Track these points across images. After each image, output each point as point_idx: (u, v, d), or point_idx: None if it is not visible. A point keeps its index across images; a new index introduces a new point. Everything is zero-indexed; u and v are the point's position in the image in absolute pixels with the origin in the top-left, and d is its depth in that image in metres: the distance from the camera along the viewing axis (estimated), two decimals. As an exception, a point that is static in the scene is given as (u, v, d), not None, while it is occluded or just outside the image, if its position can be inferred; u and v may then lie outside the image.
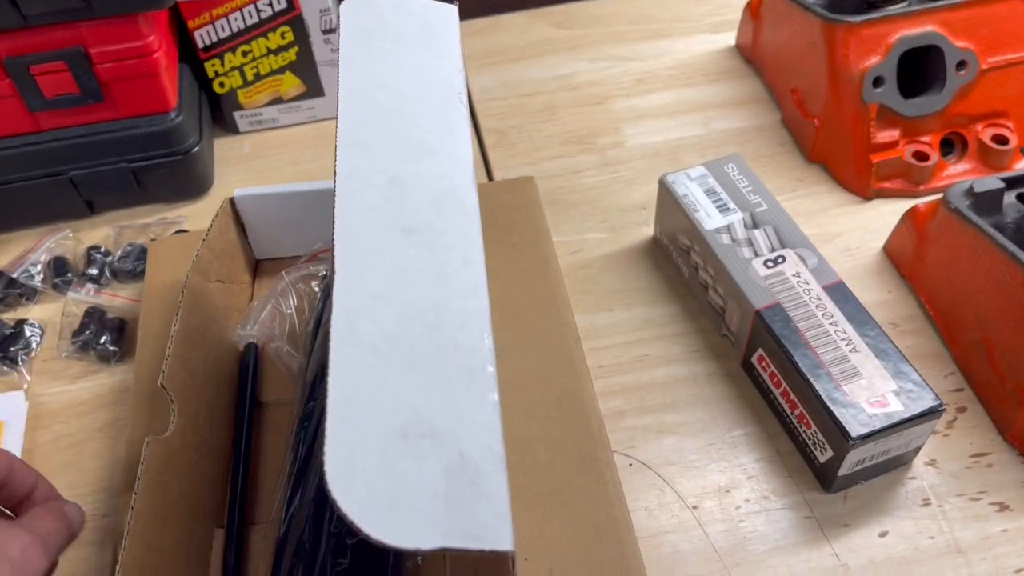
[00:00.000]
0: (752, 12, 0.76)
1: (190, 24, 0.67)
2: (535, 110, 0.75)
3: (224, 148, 0.74)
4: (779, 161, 0.69)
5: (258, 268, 0.61)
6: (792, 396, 0.49)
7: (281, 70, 0.71)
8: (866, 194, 0.65)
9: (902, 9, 0.63)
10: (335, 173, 0.39)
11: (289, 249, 0.60)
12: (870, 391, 0.47)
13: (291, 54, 0.70)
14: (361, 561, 0.41)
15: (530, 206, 0.60)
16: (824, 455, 0.48)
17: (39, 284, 0.62)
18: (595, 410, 0.50)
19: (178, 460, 0.44)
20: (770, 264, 0.53)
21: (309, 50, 0.70)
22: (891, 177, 0.65)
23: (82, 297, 0.61)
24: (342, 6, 0.46)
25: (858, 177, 0.65)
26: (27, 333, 0.59)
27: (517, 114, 0.75)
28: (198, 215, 0.68)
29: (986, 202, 0.53)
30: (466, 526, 0.29)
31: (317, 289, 0.55)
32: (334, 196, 0.37)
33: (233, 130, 0.75)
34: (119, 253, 0.64)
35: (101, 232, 0.67)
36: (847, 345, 0.49)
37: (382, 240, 0.36)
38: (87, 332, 0.58)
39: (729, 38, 0.81)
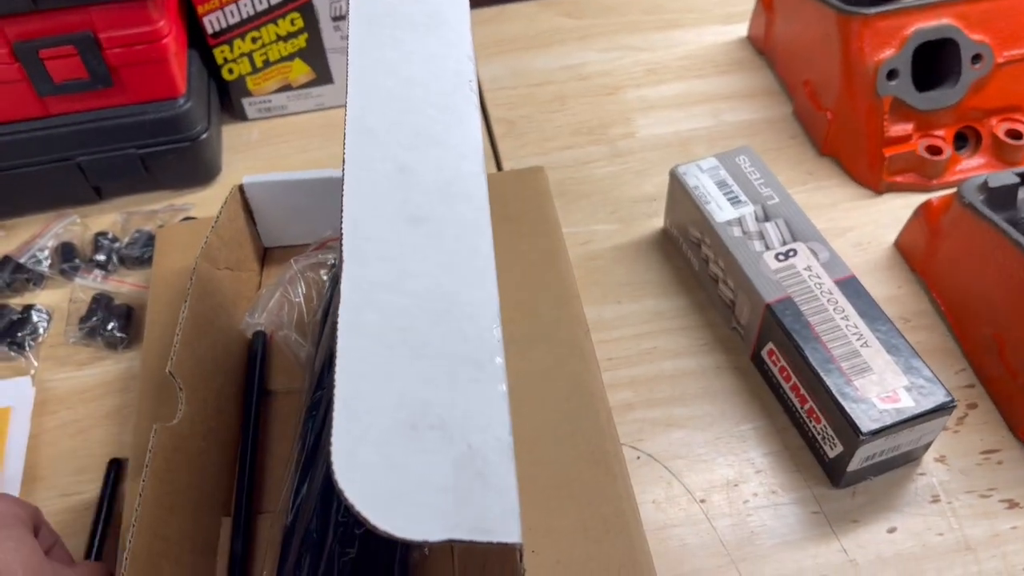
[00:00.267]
0: (765, 3, 0.75)
1: (199, 10, 0.67)
2: (545, 100, 0.75)
3: (232, 135, 0.73)
4: (790, 154, 0.69)
5: (266, 256, 0.61)
6: (802, 390, 0.49)
7: (290, 57, 0.71)
8: (878, 188, 0.65)
9: (917, 1, 0.62)
10: (343, 161, 0.38)
11: (298, 237, 0.59)
12: (881, 386, 0.46)
13: (300, 41, 0.70)
14: (368, 551, 0.41)
15: (540, 197, 0.60)
16: (834, 450, 0.48)
17: (47, 270, 0.62)
18: (604, 402, 0.49)
19: (186, 448, 0.44)
20: (781, 257, 0.52)
21: (319, 37, 0.70)
22: (904, 171, 0.64)
23: (89, 283, 0.61)
24: None
25: (870, 171, 0.64)
26: (34, 319, 0.59)
27: (527, 104, 0.74)
28: (205, 202, 0.68)
29: (1000, 197, 0.52)
30: (474, 518, 0.29)
31: (325, 277, 0.55)
32: (342, 184, 0.37)
33: (241, 117, 0.74)
34: (127, 239, 0.64)
35: (109, 218, 0.67)
36: (858, 340, 0.48)
37: (390, 229, 0.36)
38: (94, 318, 0.58)
39: (741, 29, 0.80)
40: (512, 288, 0.54)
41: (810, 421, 0.49)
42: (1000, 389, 0.52)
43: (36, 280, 0.62)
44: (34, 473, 0.52)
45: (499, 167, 0.69)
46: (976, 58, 0.62)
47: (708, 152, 0.68)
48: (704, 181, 0.57)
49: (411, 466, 0.29)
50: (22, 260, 0.62)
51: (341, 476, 0.27)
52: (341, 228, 0.36)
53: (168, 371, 0.44)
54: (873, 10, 0.62)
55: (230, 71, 0.71)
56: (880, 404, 0.46)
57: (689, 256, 0.60)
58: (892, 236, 0.62)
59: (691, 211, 0.57)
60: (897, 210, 0.63)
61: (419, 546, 0.43)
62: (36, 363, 0.58)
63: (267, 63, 0.71)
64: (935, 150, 0.63)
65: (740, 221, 0.55)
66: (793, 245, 0.53)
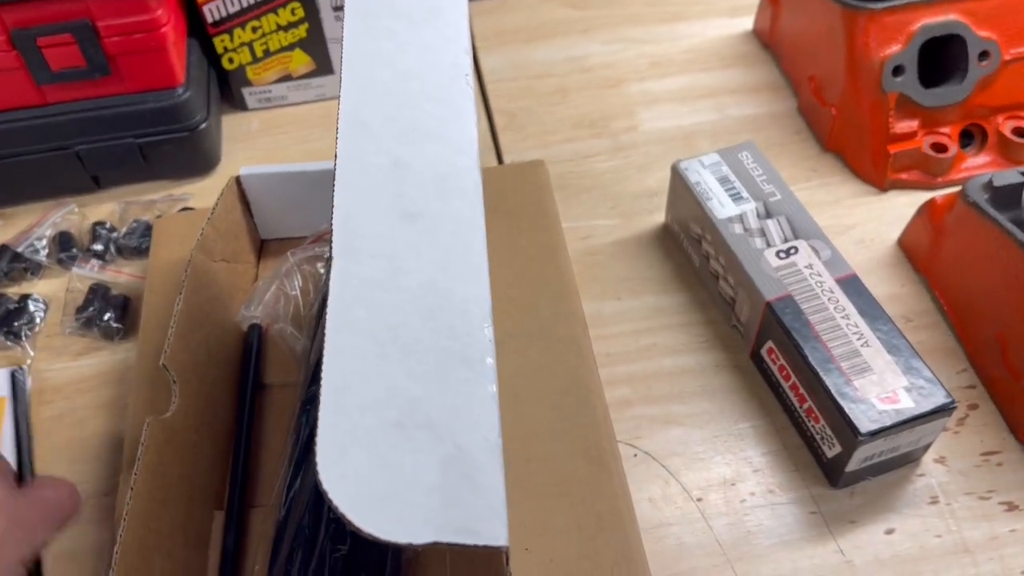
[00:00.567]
0: (771, -4, 0.75)
1: (199, -2, 0.66)
2: (546, 92, 0.74)
3: (232, 125, 0.73)
4: (793, 150, 0.68)
5: (263, 248, 0.61)
6: (801, 390, 0.49)
7: (291, 47, 0.70)
8: (882, 185, 0.64)
9: (925, -4, 0.61)
10: (335, 154, 0.38)
11: (295, 229, 0.59)
12: (881, 387, 0.46)
13: (301, 31, 0.69)
14: (360, 547, 0.41)
15: (540, 190, 0.59)
16: (832, 450, 0.47)
17: (44, 259, 0.62)
18: (601, 399, 0.49)
19: (178, 441, 0.44)
20: (782, 255, 0.52)
21: (319, 27, 0.69)
22: (908, 168, 0.64)
23: (87, 273, 0.61)
24: None
25: (874, 168, 0.64)
26: (31, 308, 0.59)
27: (528, 96, 0.74)
28: (204, 192, 0.67)
29: (1005, 196, 0.52)
30: (460, 520, 0.28)
31: (322, 270, 0.54)
32: (334, 178, 0.37)
33: (241, 107, 0.74)
34: (124, 229, 0.63)
35: (107, 208, 0.66)
36: (859, 339, 0.48)
37: (382, 225, 0.36)
38: (91, 308, 0.58)
39: (746, 22, 0.79)
40: (510, 283, 0.54)
41: (809, 421, 0.49)
42: (1002, 390, 0.51)
43: (33, 269, 0.62)
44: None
45: (499, 160, 0.69)
46: (983, 55, 0.61)
47: (711, 147, 0.67)
48: (706, 177, 0.57)
49: (397, 466, 0.29)
50: (19, 249, 0.62)
51: (326, 476, 0.27)
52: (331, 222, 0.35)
53: (162, 364, 0.44)
54: (879, 5, 0.61)
55: (230, 60, 0.70)
56: (879, 405, 0.45)
57: (690, 252, 0.59)
58: (895, 234, 0.61)
59: (692, 207, 0.56)
60: (901, 208, 0.62)
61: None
62: (32, 353, 0.57)
63: (267, 53, 0.70)
64: (940, 147, 0.63)
65: (741, 218, 0.54)
66: (795, 243, 0.52)
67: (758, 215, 0.54)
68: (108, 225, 0.64)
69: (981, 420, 0.51)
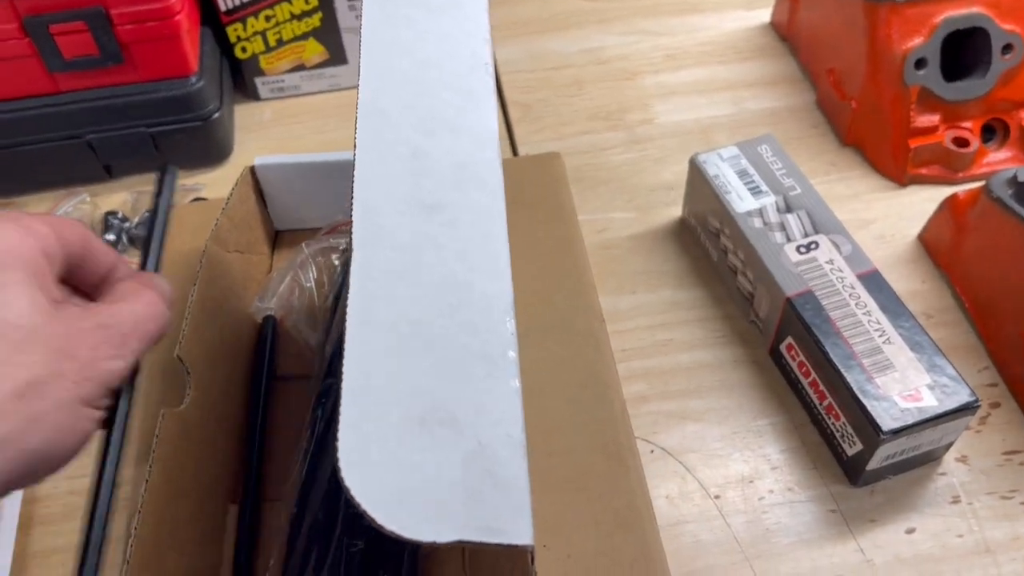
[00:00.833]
0: (789, -12, 0.74)
1: (213, -14, 0.65)
2: (562, 84, 0.73)
3: (245, 115, 0.73)
4: (812, 143, 0.67)
5: (277, 239, 0.60)
6: (821, 386, 0.48)
7: (304, 36, 0.70)
8: (902, 180, 0.63)
9: (948, -12, 0.60)
10: (355, 145, 0.37)
11: (309, 220, 0.59)
12: (903, 384, 0.45)
13: (315, 20, 0.69)
14: (377, 542, 0.40)
15: (556, 183, 0.59)
16: (853, 448, 0.47)
17: (56, 248, 0.62)
18: (618, 394, 0.48)
19: (193, 434, 0.44)
20: (803, 250, 0.51)
21: (333, 16, 0.69)
22: (929, 163, 0.63)
23: (99, 263, 0.60)
24: None
25: (895, 162, 0.63)
26: (43, 298, 0.58)
27: (543, 88, 0.73)
28: (217, 183, 0.67)
29: (1030, 192, 0.51)
30: (484, 518, 0.28)
31: (337, 262, 0.54)
32: (353, 169, 0.36)
33: (254, 97, 0.73)
34: (136, 219, 0.63)
35: (119, 197, 0.66)
36: (880, 336, 0.47)
37: (402, 216, 0.35)
38: (103, 299, 0.57)
39: (764, 14, 0.78)
40: (527, 276, 0.53)
41: (829, 418, 0.48)
42: (1024, 389, 0.51)
43: (45, 259, 0.61)
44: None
45: (514, 152, 0.68)
46: (1007, 48, 0.61)
47: (728, 140, 0.66)
48: (724, 170, 0.56)
49: (420, 463, 0.28)
50: (31, 238, 0.61)
51: (347, 474, 0.26)
52: (351, 213, 0.35)
53: (176, 355, 0.44)
54: (902, -3, 0.60)
55: (243, 50, 0.70)
56: (902, 402, 0.44)
57: (707, 246, 0.59)
58: (916, 229, 0.60)
59: (711, 201, 0.56)
60: (921, 203, 0.61)
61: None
62: (44, 343, 0.57)
63: (280, 42, 0.70)
64: (962, 142, 0.62)
65: (761, 212, 0.53)
66: (815, 237, 0.52)
67: (778, 209, 0.53)
68: (120, 215, 0.63)
69: (1003, 419, 0.51)
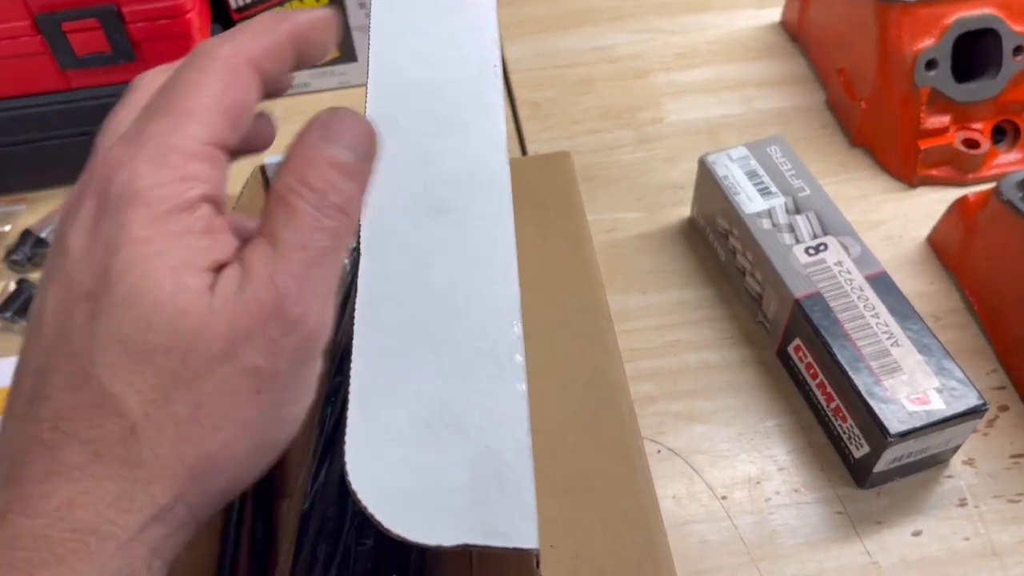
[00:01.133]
0: (800, -13, 0.74)
1: (224, -16, 0.66)
2: (572, 82, 0.73)
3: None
4: (821, 144, 0.67)
5: (287, 236, 0.61)
6: (829, 388, 0.48)
7: (314, 34, 0.70)
8: (911, 181, 0.63)
9: (960, -11, 0.60)
10: None
11: (319, 218, 0.59)
12: (911, 387, 0.45)
13: (325, 18, 0.69)
14: (386, 541, 0.41)
15: (565, 182, 0.59)
16: (860, 450, 0.47)
17: (67, 244, 0.62)
18: (626, 394, 0.48)
19: (203, 431, 0.44)
20: (811, 251, 0.51)
21: (343, 14, 0.69)
22: (939, 164, 0.63)
23: (110, 259, 0.61)
24: None
25: (904, 163, 0.63)
26: (55, 294, 0.59)
27: (553, 86, 0.73)
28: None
29: (1041, 195, 0.51)
30: (490, 522, 0.28)
31: (346, 261, 0.54)
32: None
33: (264, 94, 0.74)
34: (147, 216, 0.63)
35: (130, 194, 0.66)
36: (888, 339, 0.47)
37: (409, 220, 0.35)
38: (114, 295, 0.58)
39: (774, 14, 0.78)
40: (534, 275, 0.53)
41: (836, 420, 0.48)
42: (1033, 392, 0.51)
43: (57, 255, 0.62)
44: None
45: (523, 151, 0.68)
46: (1018, 50, 0.60)
47: (738, 139, 0.66)
48: (734, 171, 0.56)
49: (427, 466, 0.28)
50: (43, 235, 0.62)
51: (354, 476, 0.27)
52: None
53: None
54: (913, -3, 0.60)
55: (254, 47, 0.70)
56: (909, 405, 0.45)
57: (716, 247, 0.59)
58: (925, 231, 0.60)
59: (719, 201, 0.56)
60: (931, 204, 0.61)
61: None
62: (56, 338, 0.57)
63: (291, 39, 0.70)
64: (972, 143, 0.62)
65: (770, 213, 0.53)
66: (824, 239, 0.52)
67: (787, 210, 0.53)
68: (131, 211, 0.63)
69: (1011, 421, 0.51)
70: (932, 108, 0.61)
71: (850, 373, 0.46)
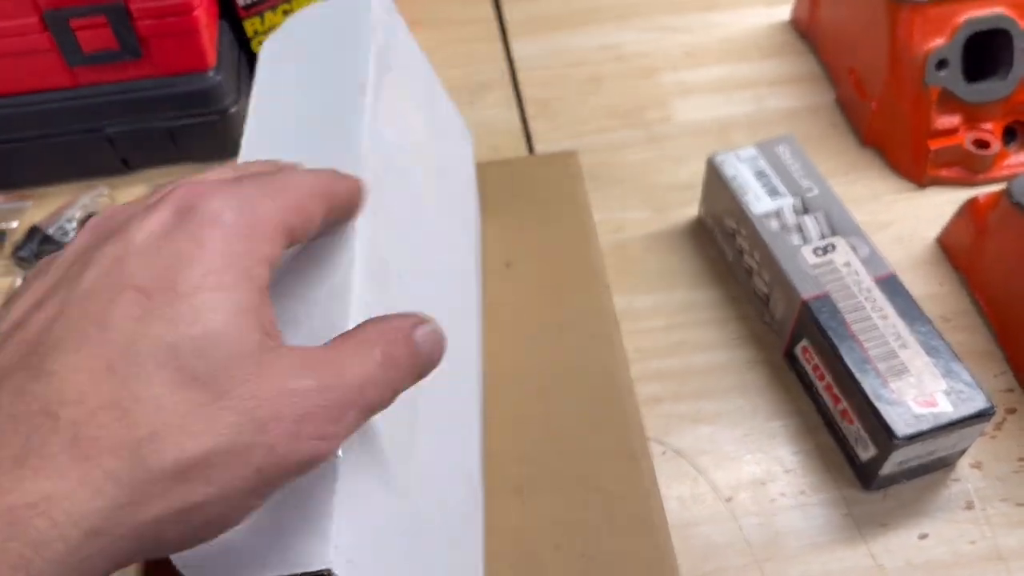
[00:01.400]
0: (810, -14, 0.73)
1: (231, -19, 0.66)
2: (579, 81, 0.73)
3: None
4: (830, 144, 0.67)
5: (293, 234, 0.61)
6: (836, 390, 0.48)
7: (322, 31, 0.70)
8: (921, 182, 0.63)
9: (971, -12, 0.60)
10: None
11: (325, 216, 0.59)
12: (919, 389, 0.45)
13: (333, 15, 0.69)
14: None
15: (572, 181, 0.59)
16: (866, 453, 0.46)
17: (74, 241, 0.62)
18: (631, 395, 0.48)
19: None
20: (820, 252, 0.51)
21: (351, 11, 0.69)
22: (949, 165, 0.62)
23: (117, 256, 0.61)
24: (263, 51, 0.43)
25: (914, 163, 0.62)
26: (61, 290, 0.59)
27: (560, 85, 0.73)
28: (234, 176, 0.67)
29: (1052, 197, 0.50)
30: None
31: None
32: None
33: (271, 91, 0.73)
34: (154, 212, 0.63)
35: (137, 190, 0.66)
36: (896, 341, 0.47)
37: None
38: (121, 292, 0.58)
39: (784, 12, 0.78)
40: (541, 275, 0.53)
41: (843, 422, 0.48)
42: (1042, 395, 0.50)
43: (64, 251, 0.62)
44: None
45: (530, 150, 0.68)
46: (1030, 49, 0.60)
47: (747, 139, 0.66)
48: (742, 171, 0.56)
49: None
50: (50, 231, 0.62)
51: None
52: None
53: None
54: (924, -3, 0.59)
55: (260, 44, 0.70)
56: (917, 408, 0.44)
57: (723, 247, 0.58)
58: (934, 232, 0.60)
59: (727, 201, 0.55)
60: (941, 205, 0.61)
61: None
62: (62, 335, 0.58)
63: (298, 36, 0.70)
64: (983, 144, 0.61)
65: (778, 213, 0.53)
66: (832, 240, 0.51)
67: (795, 211, 0.53)
68: (138, 208, 0.63)
69: (1019, 425, 0.50)
70: (942, 108, 0.61)
71: (857, 375, 0.46)
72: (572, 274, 0.54)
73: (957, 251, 0.57)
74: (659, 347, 0.55)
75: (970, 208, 0.56)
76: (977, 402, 0.44)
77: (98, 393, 0.21)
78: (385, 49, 0.41)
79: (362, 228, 0.31)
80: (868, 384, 0.45)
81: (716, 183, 0.56)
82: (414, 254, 0.37)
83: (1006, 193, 0.52)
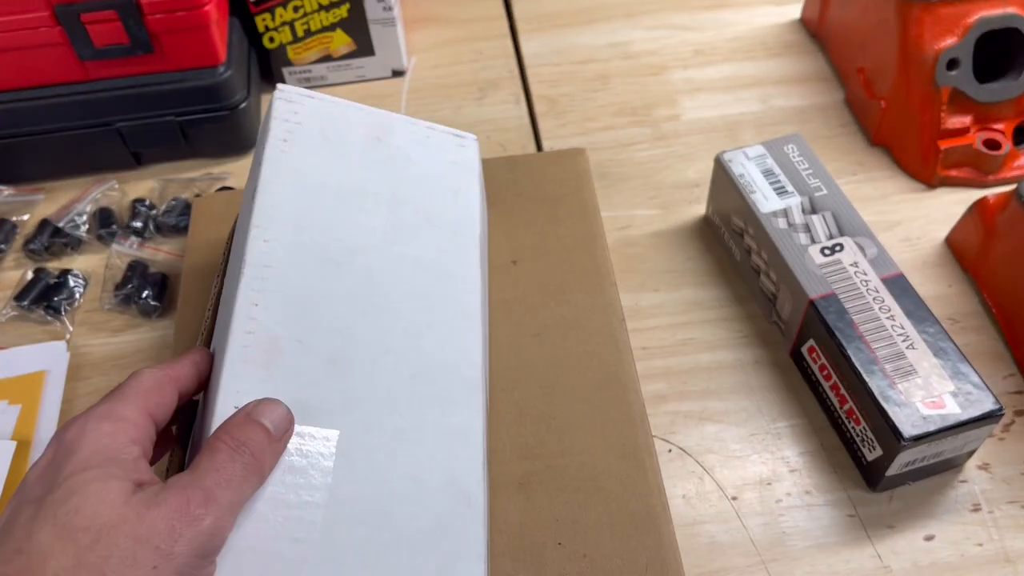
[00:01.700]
0: (820, -16, 0.73)
1: (242, -24, 0.66)
2: (588, 78, 0.73)
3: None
4: (839, 143, 0.67)
5: (301, 229, 0.61)
6: (842, 390, 0.48)
7: (332, 27, 0.70)
8: (931, 182, 0.62)
9: (983, -12, 0.59)
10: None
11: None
12: (926, 391, 0.45)
13: (343, 11, 0.69)
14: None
15: (580, 179, 0.58)
16: (872, 453, 0.46)
17: (84, 234, 0.62)
18: (637, 394, 0.48)
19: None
20: (827, 252, 0.51)
21: (361, 8, 0.69)
22: (959, 165, 0.62)
23: (126, 250, 0.61)
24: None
25: (923, 164, 0.62)
26: (71, 284, 0.59)
27: (569, 82, 0.73)
28: (243, 172, 0.67)
29: (1062, 198, 0.50)
30: None
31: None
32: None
33: (281, 86, 0.74)
34: (163, 207, 0.63)
35: (146, 185, 0.67)
36: (904, 341, 0.47)
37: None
38: (129, 286, 0.58)
39: (794, 11, 0.78)
40: (547, 273, 0.53)
41: (849, 422, 0.48)
42: (1050, 397, 0.50)
43: (74, 244, 0.62)
44: (66, 438, 0.53)
45: (538, 146, 0.68)
46: (1042, 49, 0.60)
47: (755, 138, 0.66)
48: (750, 169, 0.55)
49: None
50: (61, 224, 0.62)
51: None
52: None
53: (198, 345, 0.44)
54: (935, -4, 0.59)
55: (271, 40, 0.70)
56: (924, 409, 0.44)
57: (731, 246, 0.58)
58: (943, 232, 0.59)
59: (735, 200, 0.55)
60: (950, 206, 0.61)
61: None
62: (71, 328, 0.58)
63: (308, 32, 0.70)
64: (993, 144, 0.61)
65: (786, 212, 0.53)
66: (840, 239, 0.51)
67: (803, 210, 0.53)
68: (147, 202, 0.64)
69: (1027, 427, 0.50)
70: (953, 108, 0.61)
71: (864, 375, 0.46)
72: (579, 271, 0.54)
73: (966, 252, 0.57)
74: (665, 345, 0.55)
75: (979, 209, 0.55)
76: (985, 404, 0.44)
77: (14, 568, 0.29)
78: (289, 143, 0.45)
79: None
80: (875, 384, 0.45)
81: (724, 181, 0.56)
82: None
83: (1016, 194, 0.51)
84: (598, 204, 0.57)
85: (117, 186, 0.66)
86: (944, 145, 0.61)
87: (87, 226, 0.63)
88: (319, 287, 0.40)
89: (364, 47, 0.72)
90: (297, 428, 0.36)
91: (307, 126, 0.46)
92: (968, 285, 0.57)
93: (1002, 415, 0.44)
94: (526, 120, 0.70)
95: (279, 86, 0.47)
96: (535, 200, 0.57)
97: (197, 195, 0.64)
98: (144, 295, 0.58)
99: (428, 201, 0.46)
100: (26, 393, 0.53)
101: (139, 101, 0.63)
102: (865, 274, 0.50)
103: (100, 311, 0.59)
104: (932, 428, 0.43)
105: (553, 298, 0.52)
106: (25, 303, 0.58)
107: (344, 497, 0.36)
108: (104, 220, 0.63)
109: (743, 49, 0.75)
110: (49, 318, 0.58)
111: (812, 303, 0.49)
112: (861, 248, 0.51)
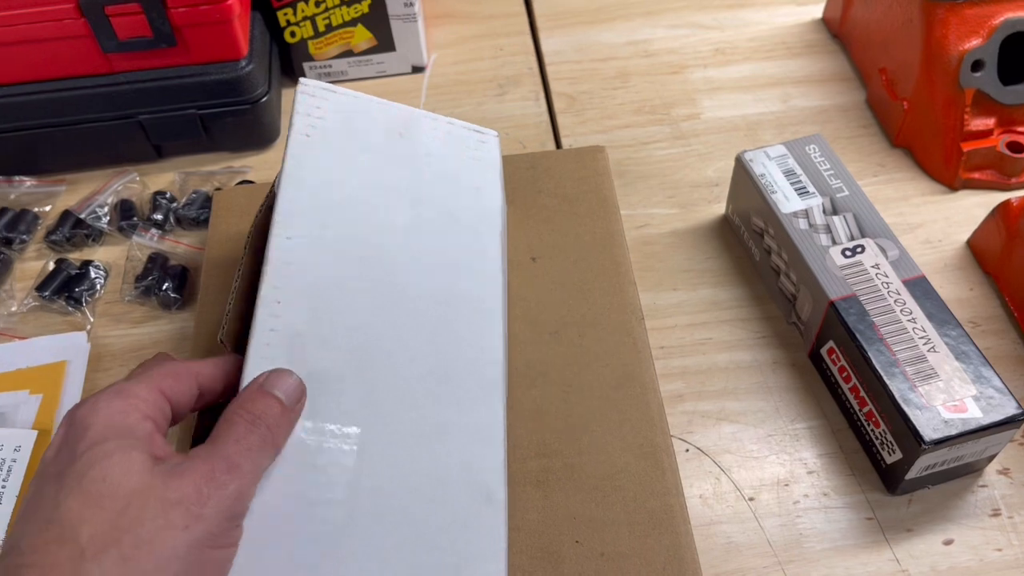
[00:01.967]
0: (843, -16, 0.72)
1: (264, -29, 0.66)
2: (608, 76, 0.73)
3: (292, 100, 0.73)
4: (860, 144, 0.66)
5: (320, 224, 0.61)
6: (862, 393, 0.48)
7: (353, 22, 0.70)
8: (953, 184, 0.62)
9: (1009, -11, 0.59)
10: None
11: (352, 207, 0.59)
12: (947, 394, 0.44)
13: (364, 6, 0.69)
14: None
15: (599, 177, 0.58)
16: (892, 456, 0.46)
17: (105, 226, 0.63)
18: (655, 393, 0.48)
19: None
20: (848, 253, 0.50)
21: (382, 3, 0.69)
22: (981, 167, 0.61)
23: (146, 242, 0.61)
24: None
25: (946, 166, 0.62)
26: (92, 275, 0.60)
27: (589, 80, 0.73)
28: (263, 165, 0.68)
29: (1087, 202, 0.50)
30: None
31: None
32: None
33: (301, 81, 0.74)
34: (184, 200, 0.64)
35: (167, 177, 0.67)
36: (925, 344, 0.46)
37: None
38: (150, 278, 0.58)
39: (815, 10, 0.77)
40: (566, 270, 0.53)
41: (868, 425, 0.48)
42: (1072, 403, 0.50)
43: (95, 236, 0.63)
44: (86, 428, 0.53)
45: (558, 144, 0.68)
46: (1068, 52, 0.59)
47: (775, 138, 0.66)
48: (771, 169, 0.55)
49: None
50: (82, 215, 0.63)
51: None
52: None
53: (220, 339, 0.44)
54: (961, -3, 0.59)
55: (292, 34, 0.70)
56: (945, 413, 0.44)
57: (750, 246, 0.58)
58: (965, 235, 0.59)
59: (755, 199, 0.55)
60: (972, 208, 0.60)
61: None
62: (92, 319, 0.58)
63: (329, 28, 0.70)
64: (1017, 147, 0.60)
65: (807, 213, 0.53)
66: (861, 241, 0.51)
67: (824, 211, 0.53)
68: (168, 195, 0.64)
69: (1048, 432, 0.50)
70: (976, 110, 0.60)
71: (884, 378, 0.45)
72: (598, 269, 0.53)
73: (988, 255, 0.57)
74: (683, 345, 0.55)
75: (1002, 211, 0.55)
76: (1007, 408, 0.44)
77: (45, 539, 0.30)
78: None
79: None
80: (896, 387, 0.45)
81: (744, 181, 0.56)
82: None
83: (1040, 197, 0.51)
84: (617, 202, 0.57)
85: (138, 178, 0.66)
86: (967, 147, 0.60)
87: (108, 218, 0.63)
88: (341, 284, 0.41)
89: (385, 43, 0.72)
90: (318, 425, 0.36)
91: (330, 120, 0.46)
92: (990, 288, 0.56)
93: (1024, 420, 0.44)
94: (545, 117, 0.70)
95: (302, 80, 0.47)
96: (554, 197, 0.57)
97: (217, 188, 0.64)
98: (164, 287, 0.58)
99: (450, 197, 0.46)
100: (47, 383, 0.54)
101: (161, 94, 0.63)
102: (886, 276, 0.49)
103: (120, 302, 0.59)
104: (953, 432, 0.43)
105: (572, 296, 0.52)
106: (46, 293, 0.58)
107: (364, 494, 0.36)
108: (125, 212, 0.63)
109: (764, 48, 0.74)
110: (70, 309, 0.58)
111: (832, 304, 0.48)
112: (882, 250, 0.50)
